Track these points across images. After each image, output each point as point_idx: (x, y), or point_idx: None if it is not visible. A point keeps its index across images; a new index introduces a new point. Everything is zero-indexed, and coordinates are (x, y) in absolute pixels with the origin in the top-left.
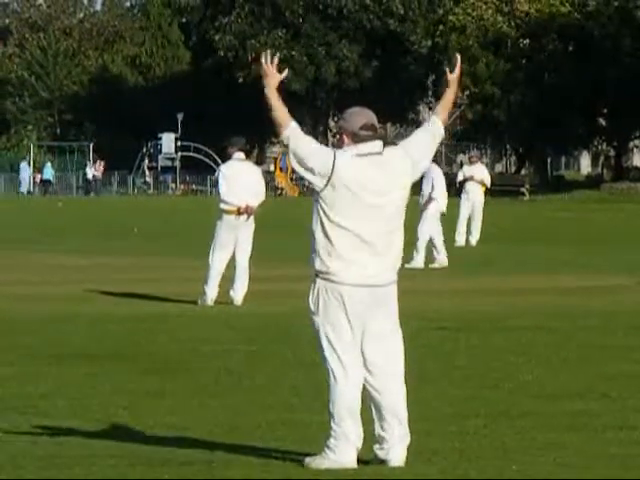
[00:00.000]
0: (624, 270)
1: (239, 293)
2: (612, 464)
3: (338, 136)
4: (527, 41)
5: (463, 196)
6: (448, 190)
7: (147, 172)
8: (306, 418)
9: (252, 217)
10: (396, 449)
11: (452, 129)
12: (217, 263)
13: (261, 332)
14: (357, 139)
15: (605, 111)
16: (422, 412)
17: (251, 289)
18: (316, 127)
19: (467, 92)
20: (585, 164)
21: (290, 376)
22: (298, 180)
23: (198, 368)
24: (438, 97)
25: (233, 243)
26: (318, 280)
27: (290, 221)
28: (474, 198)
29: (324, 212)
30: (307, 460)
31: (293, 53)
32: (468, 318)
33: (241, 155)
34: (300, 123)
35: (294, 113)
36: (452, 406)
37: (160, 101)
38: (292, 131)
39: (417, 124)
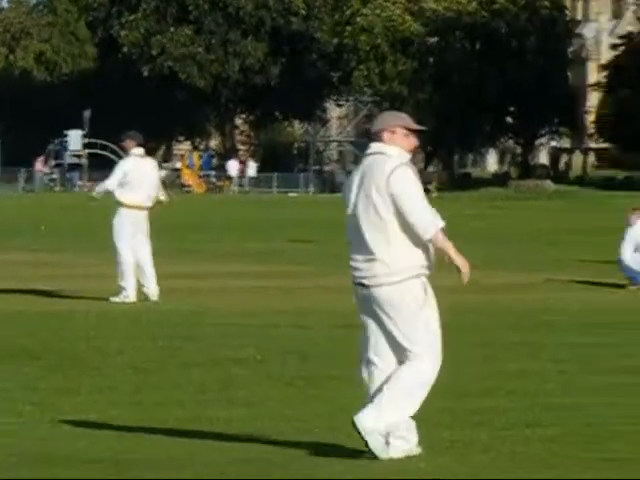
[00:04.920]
0: (531, 267)
1: (153, 287)
2: (518, 462)
3: None
4: (434, 39)
5: None
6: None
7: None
8: (214, 414)
9: (147, 212)
10: None
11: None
12: (127, 255)
13: (167, 328)
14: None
15: (512, 109)
16: (332, 409)
17: (159, 285)
18: (223, 124)
19: (372, 90)
20: (492, 162)
21: (197, 372)
22: (205, 177)
23: (105, 365)
24: (342, 94)
25: (134, 235)
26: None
27: (197, 217)
28: None
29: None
30: (380, 452)
31: (199, 49)
32: None
33: (140, 150)
34: (206, 121)
35: (199, 110)
36: (361, 404)
37: (67, 98)
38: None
39: (324, 122)
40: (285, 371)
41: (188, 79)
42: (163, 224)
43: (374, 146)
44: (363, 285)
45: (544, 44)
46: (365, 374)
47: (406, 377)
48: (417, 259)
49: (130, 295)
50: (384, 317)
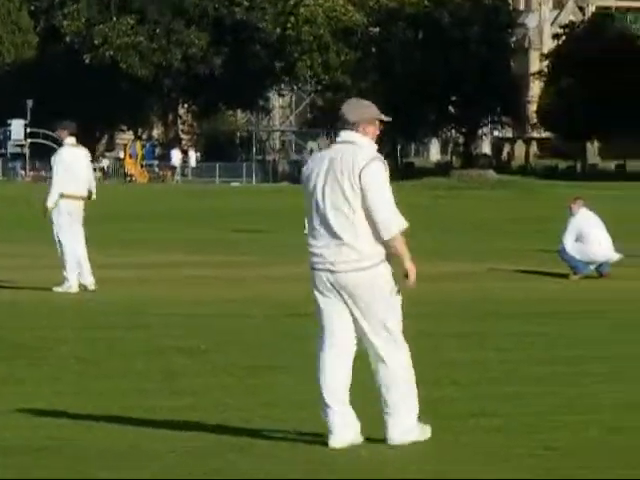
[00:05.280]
0: (475, 257)
1: (89, 278)
2: (461, 451)
3: None
4: (377, 29)
5: None
6: (298, 178)
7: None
8: (157, 404)
9: (83, 202)
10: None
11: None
12: (68, 246)
13: (111, 318)
14: (339, 129)
15: (454, 99)
16: (273, 399)
17: (100, 276)
18: (165, 114)
19: (315, 79)
20: (435, 151)
21: (140, 362)
22: (148, 167)
23: (49, 355)
24: (285, 84)
25: (72, 225)
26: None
27: (140, 207)
28: None
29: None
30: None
31: (141, 39)
32: None
33: (73, 140)
34: (149, 110)
35: (142, 100)
36: (309, 393)
37: (9, 87)
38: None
39: (267, 111)
40: (228, 361)
41: (129, 69)
42: (106, 214)
43: (345, 135)
44: (331, 271)
45: (487, 34)
46: (324, 363)
47: (401, 373)
48: (382, 246)
49: (73, 285)
50: (357, 301)
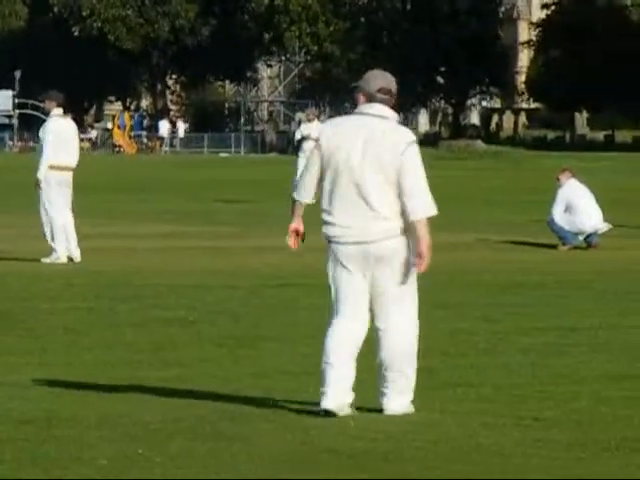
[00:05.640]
0: (463, 227)
1: (75, 250)
2: (449, 421)
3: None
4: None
5: (300, 154)
6: (286, 148)
7: None
8: (146, 375)
9: (72, 173)
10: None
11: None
12: (57, 216)
13: (99, 289)
14: (373, 100)
15: (443, 69)
16: (262, 369)
17: (88, 246)
18: (154, 85)
19: (304, 50)
20: (423, 122)
21: (129, 333)
22: (136, 137)
23: (37, 326)
24: (273, 54)
25: (60, 196)
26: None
27: (128, 178)
28: None
29: None
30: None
31: (128, 12)
32: (306, 275)
33: (60, 111)
34: (137, 81)
35: (130, 70)
36: (298, 363)
37: None
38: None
39: (255, 82)
40: (216, 331)
41: (117, 41)
42: (93, 184)
43: (379, 108)
44: (359, 243)
45: (476, 4)
46: (335, 329)
47: (411, 347)
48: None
49: (61, 256)
50: (386, 269)
